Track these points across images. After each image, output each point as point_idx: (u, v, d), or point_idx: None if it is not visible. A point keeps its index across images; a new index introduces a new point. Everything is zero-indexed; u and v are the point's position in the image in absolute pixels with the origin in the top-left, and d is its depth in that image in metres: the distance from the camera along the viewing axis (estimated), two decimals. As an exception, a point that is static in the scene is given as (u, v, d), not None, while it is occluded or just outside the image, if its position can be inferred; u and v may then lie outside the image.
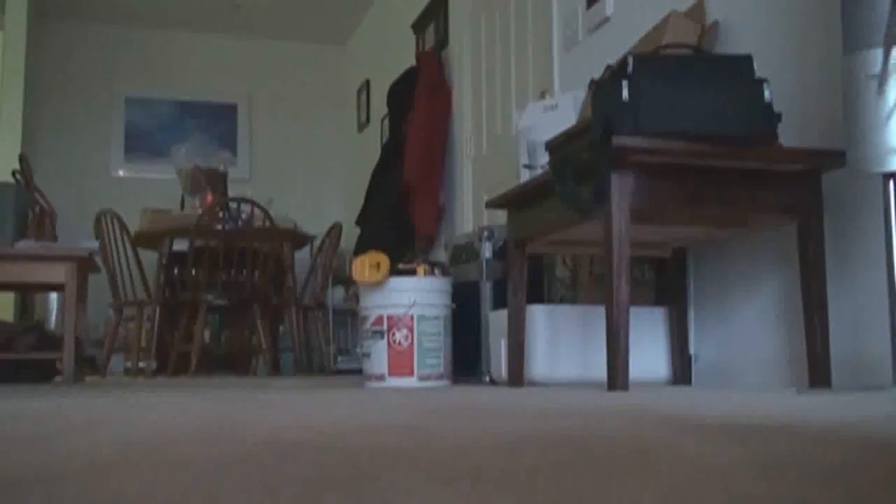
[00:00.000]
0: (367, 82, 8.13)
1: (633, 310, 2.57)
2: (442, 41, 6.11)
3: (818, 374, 2.55)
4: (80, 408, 1.96)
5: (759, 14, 2.99)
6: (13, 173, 5.03)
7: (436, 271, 3.98)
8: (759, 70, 2.57)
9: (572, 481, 0.72)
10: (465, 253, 4.12)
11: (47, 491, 0.72)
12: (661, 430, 1.21)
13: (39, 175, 5.40)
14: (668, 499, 0.64)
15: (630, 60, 2.51)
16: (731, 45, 3.08)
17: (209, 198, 6.04)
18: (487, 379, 3.82)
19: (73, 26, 8.20)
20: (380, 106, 7.33)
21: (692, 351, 3.28)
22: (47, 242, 4.74)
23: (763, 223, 2.80)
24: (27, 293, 6.10)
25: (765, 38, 2.95)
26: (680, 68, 2.56)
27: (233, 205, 5.82)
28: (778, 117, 2.53)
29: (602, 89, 2.59)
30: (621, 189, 2.53)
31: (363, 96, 8.24)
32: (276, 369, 6.06)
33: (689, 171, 2.58)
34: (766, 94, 2.51)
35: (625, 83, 2.48)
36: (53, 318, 6.22)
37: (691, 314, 3.30)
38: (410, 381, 3.60)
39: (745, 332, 3.03)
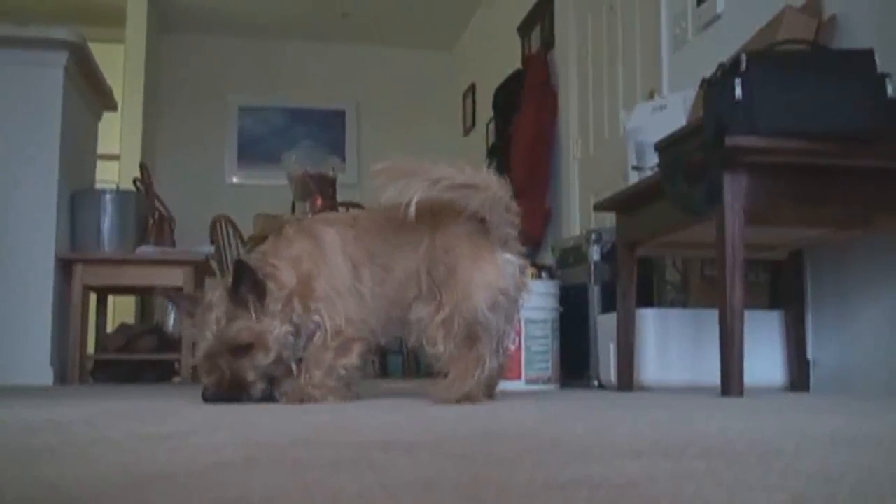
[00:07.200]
0: (473, 86, 8.15)
1: (748, 313, 2.50)
2: (548, 42, 6.08)
3: (947, 381, 2.43)
4: (200, 408, 2.02)
5: (879, 6, 2.87)
6: (134, 181, 5.24)
7: (543, 274, 3.96)
8: (881, 65, 2.46)
9: (694, 488, 0.71)
10: (572, 256, 4.09)
11: (175, 488, 0.74)
12: (779, 438, 1.18)
13: (158, 182, 5.59)
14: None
15: (743, 58, 2.44)
16: (850, 39, 2.96)
17: (318, 202, 6.15)
18: (596, 383, 3.78)
19: (188, 38, 8.48)
20: (485, 110, 7.34)
21: (810, 356, 3.17)
22: (166, 247, 4.92)
23: (888, 224, 2.67)
24: (147, 296, 6.33)
25: (886, 31, 2.82)
26: (796, 65, 2.48)
27: (342, 209, 5.93)
28: (902, 113, 2.42)
29: (714, 88, 2.53)
30: (735, 190, 2.46)
31: (469, 100, 8.27)
32: (383, 371, 6.13)
33: (806, 170, 2.49)
34: (889, 88, 2.41)
35: (738, 81, 2.41)
36: (172, 320, 6.43)
37: (809, 318, 3.18)
38: (518, 385, 3.59)
39: (867, 337, 2.91)
